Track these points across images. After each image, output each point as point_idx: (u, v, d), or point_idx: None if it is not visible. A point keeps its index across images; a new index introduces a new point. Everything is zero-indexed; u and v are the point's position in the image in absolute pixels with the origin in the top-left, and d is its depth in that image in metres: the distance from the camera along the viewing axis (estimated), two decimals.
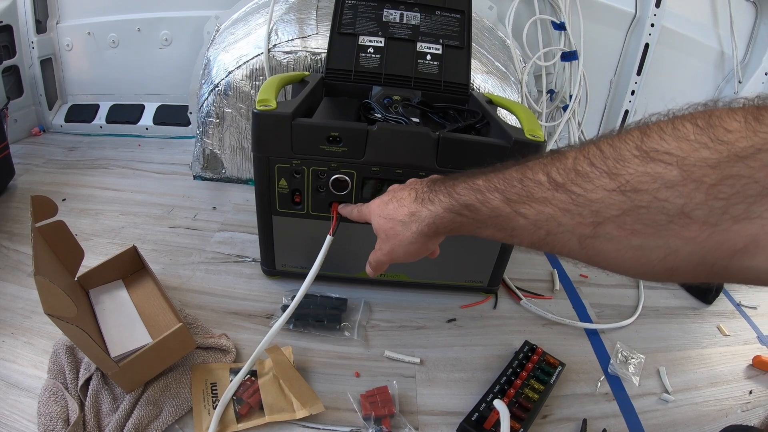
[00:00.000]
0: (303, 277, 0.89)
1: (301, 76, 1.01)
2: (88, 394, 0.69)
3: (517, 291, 0.99)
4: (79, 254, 0.86)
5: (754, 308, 1.06)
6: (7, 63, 1.39)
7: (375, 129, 0.75)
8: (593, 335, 0.91)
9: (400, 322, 0.87)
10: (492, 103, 0.98)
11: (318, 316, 0.83)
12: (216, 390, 0.72)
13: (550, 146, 1.39)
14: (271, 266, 0.91)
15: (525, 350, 0.81)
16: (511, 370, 0.77)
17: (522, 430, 0.68)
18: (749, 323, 1.01)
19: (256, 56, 1.13)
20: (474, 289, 0.95)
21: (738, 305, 1.07)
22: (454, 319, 0.90)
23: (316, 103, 0.95)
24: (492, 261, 0.89)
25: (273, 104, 0.76)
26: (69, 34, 1.49)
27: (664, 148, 0.33)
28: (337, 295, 0.89)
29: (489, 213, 0.45)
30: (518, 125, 0.83)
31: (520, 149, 0.76)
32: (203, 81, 1.21)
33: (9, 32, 1.38)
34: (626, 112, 1.49)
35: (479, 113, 0.92)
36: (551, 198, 0.39)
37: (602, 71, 1.51)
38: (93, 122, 1.53)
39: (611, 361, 0.84)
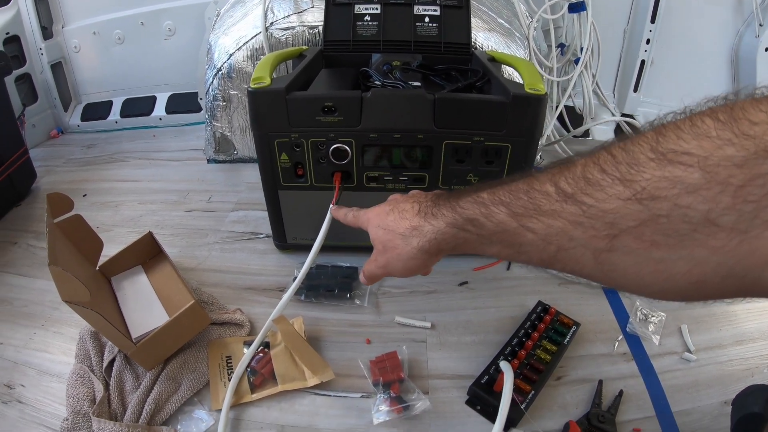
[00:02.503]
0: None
1: (299, 51, 1.00)
2: (112, 375, 0.72)
3: None
4: (98, 245, 0.90)
5: None
6: (18, 72, 1.42)
7: (369, 95, 0.75)
8: (611, 294, 0.88)
9: (411, 288, 0.87)
10: (495, 60, 0.95)
11: (329, 286, 0.84)
12: (231, 363, 0.75)
13: (564, 101, 1.34)
14: (283, 240, 0.93)
15: (538, 311, 0.80)
16: (522, 331, 0.76)
17: (533, 392, 0.66)
18: None
19: (254, 36, 1.13)
20: None
21: None
22: (466, 282, 0.89)
23: (315, 76, 0.94)
24: None
25: (267, 81, 0.76)
26: (75, 36, 1.52)
27: (682, 148, 0.29)
28: (348, 264, 0.89)
29: (494, 228, 0.42)
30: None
31: (520, 104, 0.74)
32: (207, 66, 1.21)
33: (17, 42, 1.42)
34: (642, 62, 1.43)
35: (480, 72, 0.89)
36: (560, 210, 0.36)
37: (614, 21, 1.44)
38: (108, 118, 1.56)
39: (630, 319, 0.81)
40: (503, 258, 0.46)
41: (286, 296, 0.74)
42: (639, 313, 0.83)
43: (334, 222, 0.74)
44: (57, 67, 1.54)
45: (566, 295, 0.88)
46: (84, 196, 1.21)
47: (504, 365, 0.65)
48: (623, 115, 1.48)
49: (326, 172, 0.82)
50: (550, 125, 1.29)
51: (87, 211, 1.11)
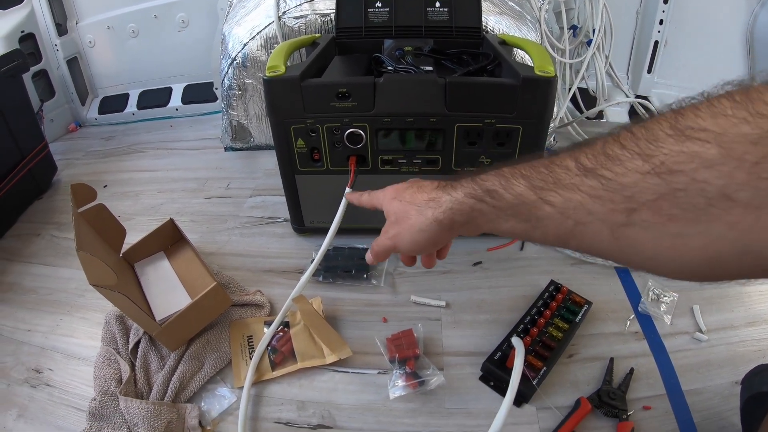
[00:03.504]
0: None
1: (312, 38, 1.02)
2: (138, 356, 0.76)
3: None
4: (121, 232, 0.93)
5: None
6: (35, 68, 1.46)
7: (381, 81, 0.76)
8: (624, 274, 0.89)
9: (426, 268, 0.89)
10: (506, 43, 0.96)
11: (346, 267, 0.86)
12: (252, 342, 0.77)
13: (578, 83, 1.34)
14: (300, 224, 0.95)
15: (550, 290, 0.81)
16: (535, 309, 0.77)
17: (545, 368, 0.68)
18: None
19: (267, 26, 1.14)
20: None
21: None
22: (480, 262, 0.91)
23: (328, 63, 0.95)
24: None
25: (282, 69, 0.78)
26: (90, 32, 1.55)
27: (699, 126, 0.30)
28: (365, 246, 0.91)
29: (512, 200, 0.42)
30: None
31: (530, 86, 0.74)
32: (222, 56, 1.23)
33: (32, 39, 1.45)
34: (656, 42, 1.42)
35: (491, 55, 0.90)
36: (579, 184, 0.36)
37: (627, 1, 1.43)
38: (125, 111, 1.59)
39: (642, 299, 0.82)
40: (517, 235, 0.45)
41: (304, 277, 0.76)
42: (651, 293, 0.84)
43: (350, 205, 0.75)
44: (73, 63, 1.57)
45: (579, 274, 0.89)
46: (105, 187, 1.24)
47: (516, 341, 0.67)
48: (638, 96, 1.47)
49: (342, 156, 0.83)
50: (563, 107, 1.29)
51: (108, 201, 1.13)
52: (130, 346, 0.77)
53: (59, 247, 1.04)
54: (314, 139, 0.82)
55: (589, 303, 0.79)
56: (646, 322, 0.79)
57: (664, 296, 0.83)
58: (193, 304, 0.75)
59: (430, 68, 0.88)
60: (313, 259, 0.87)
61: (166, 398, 0.69)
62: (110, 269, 0.70)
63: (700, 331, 0.77)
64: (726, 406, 0.66)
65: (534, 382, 0.66)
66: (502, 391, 0.68)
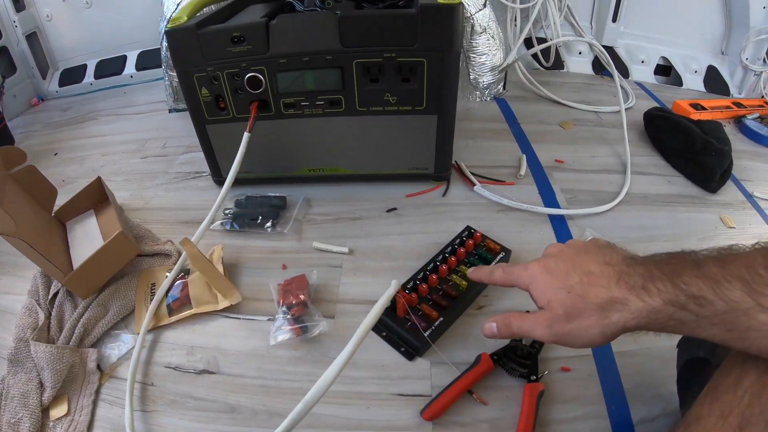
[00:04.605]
0: (251, 181, 0.91)
1: None
2: (55, 305, 0.76)
3: (471, 177, 0.94)
4: (53, 193, 0.93)
5: None
6: None
7: (274, 22, 0.74)
8: (558, 222, 0.85)
9: (338, 215, 0.86)
10: None
11: (253, 215, 0.84)
12: (155, 290, 0.76)
13: (527, 29, 1.27)
14: (219, 175, 0.93)
15: (463, 236, 0.77)
16: (441, 256, 0.73)
17: (442, 320, 0.64)
18: (762, 216, 0.89)
19: None
20: (422, 177, 0.92)
21: (750, 195, 0.95)
22: (395, 209, 0.87)
23: (239, 11, 0.92)
24: (432, 144, 0.85)
25: (184, 20, 0.77)
26: (47, 6, 1.53)
27: None
28: (277, 194, 0.89)
29: (723, 307, 0.36)
30: None
31: (429, 15, 0.71)
32: (161, 18, 1.22)
33: None
34: None
35: None
36: None
37: None
38: (84, 81, 1.59)
39: None
40: (716, 342, 0.39)
41: (203, 225, 0.75)
42: None
43: (266, 152, 0.73)
44: (32, 38, 1.57)
45: (505, 221, 0.85)
46: (55, 154, 1.24)
47: (394, 282, 0.59)
48: (605, 47, 1.39)
49: (245, 103, 0.81)
50: (513, 52, 1.23)
51: (56, 167, 1.16)
52: (50, 296, 0.78)
53: None
54: (217, 87, 0.80)
55: (507, 250, 0.75)
56: None
57: None
58: (98, 252, 0.74)
59: None
60: (226, 209, 0.86)
61: (71, 343, 0.69)
62: (9, 217, 0.70)
63: None
64: (661, 371, 0.61)
65: (426, 334, 0.62)
66: (393, 342, 0.65)
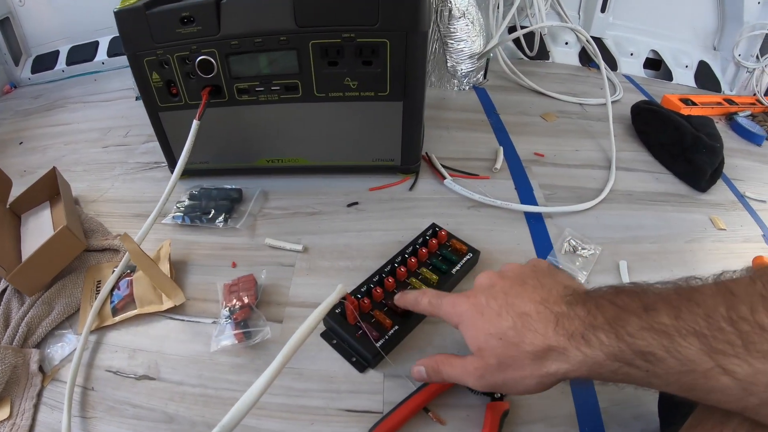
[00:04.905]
0: (207, 172, 0.86)
1: None
2: (2, 302, 0.72)
3: (441, 169, 0.88)
4: (7, 184, 0.88)
5: (763, 201, 0.89)
6: None
7: (225, 1, 0.69)
8: (535, 220, 0.80)
9: (295, 209, 0.81)
10: None
11: (206, 209, 0.79)
12: (100, 287, 0.72)
13: (510, 16, 1.22)
14: (174, 165, 0.88)
15: (427, 234, 0.71)
16: (401, 257, 0.67)
17: (397, 328, 0.58)
18: (754, 218, 0.85)
19: None
20: (388, 169, 0.86)
21: (742, 196, 0.90)
22: (357, 203, 0.82)
23: None
24: (398, 134, 0.80)
25: (133, 0, 0.72)
26: None
27: None
28: (233, 186, 0.84)
29: (677, 367, 0.32)
30: None
31: None
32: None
33: None
34: None
35: None
36: None
37: None
38: (56, 68, 1.53)
39: (553, 250, 0.73)
40: (676, 394, 0.34)
41: (150, 218, 0.70)
42: (566, 244, 0.74)
43: (222, 141, 0.68)
44: (5, 23, 1.51)
45: (476, 219, 0.80)
46: (20, 143, 1.19)
47: (339, 286, 0.54)
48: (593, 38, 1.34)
49: (198, 88, 0.76)
50: (495, 38, 1.17)
51: (20, 157, 1.11)
52: None
53: None
54: (168, 72, 0.75)
55: (475, 251, 0.69)
56: None
57: (584, 249, 0.74)
58: (42, 248, 0.70)
59: None
60: (179, 202, 0.82)
61: (14, 343, 0.65)
62: None
63: None
64: (642, 390, 0.56)
65: (378, 344, 0.56)
66: (344, 352, 0.60)
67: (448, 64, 1.13)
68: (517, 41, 1.34)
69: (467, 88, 1.22)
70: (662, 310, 0.33)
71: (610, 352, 0.35)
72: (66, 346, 0.65)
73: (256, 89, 0.75)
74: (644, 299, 0.35)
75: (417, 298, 0.52)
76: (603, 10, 1.33)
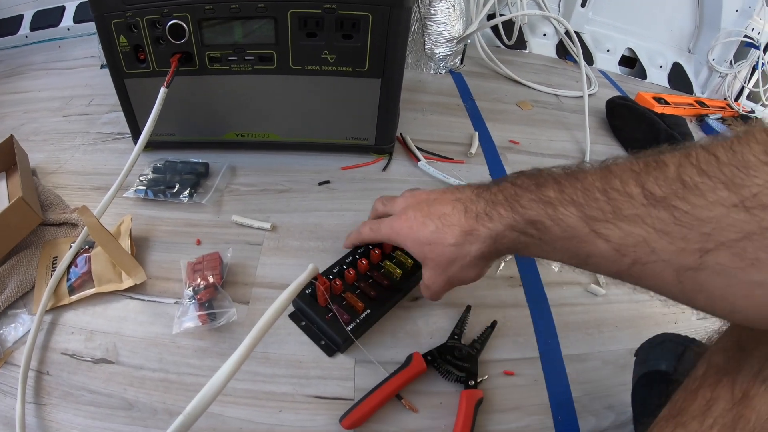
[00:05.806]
0: (173, 144, 0.83)
1: None
2: None
3: (416, 151, 0.87)
4: None
5: None
6: None
7: None
8: None
9: (264, 186, 0.79)
10: None
11: (171, 183, 0.75)
12: (56, 264, 0.68)
13: (490, 2, 1.21)
14: (138, 136, 0.84)
15: None
16: None
17: (369, 312, 0.56)
18: None
19: None
20: (361, 148, 0.85)
21: None
22: (328, 182, 0.80)
23: None
24: (374, 112, 0.78)
25: None
26: None
27: None
28: (199, 159, 0.81)
29: (560, 233, 0.37)
30: None
31: None
32: None
33: None
34: None
35: None
36: (645, 216, 0.31)
37: None
38: (18, 33, 1.45)
39: None
40: (571, 265, 0.39)
41: (110, 191, 0.67)
42: None
43: (190, 112, 0.65)
44: None
45: None
46: None
47: (310, 266, 0.53)
48: (567, 32, 1.35)
49: (167, 55, 0.72)
50: (474, 23, 1.16)
51: None
52: None
53: None
54: (136, 36, 0.71)
55: None
56: (527, 265, 0.68)
57: None
58: None
59: None
60: (141, 175, 0.78)
61: None
62: None
63: (597, 282, 0.66)
64: (616, 379, 0.56)
65: (349, 328, 0.54)
66: (313, 334, 0.58)
67: (426, 47, 1.11)
68: (495, 29, 1.34)
69: (444, 72, 1.21)
70: (550, 186, 0.38)
71: (507, 224, 0.41)
72: (19, 327, 0.61)
73: (229, 58, 0.72)
74: (538, 179, 0.40)
75: (359, 230, 0.59)
76: (583, 5, 1.33)
